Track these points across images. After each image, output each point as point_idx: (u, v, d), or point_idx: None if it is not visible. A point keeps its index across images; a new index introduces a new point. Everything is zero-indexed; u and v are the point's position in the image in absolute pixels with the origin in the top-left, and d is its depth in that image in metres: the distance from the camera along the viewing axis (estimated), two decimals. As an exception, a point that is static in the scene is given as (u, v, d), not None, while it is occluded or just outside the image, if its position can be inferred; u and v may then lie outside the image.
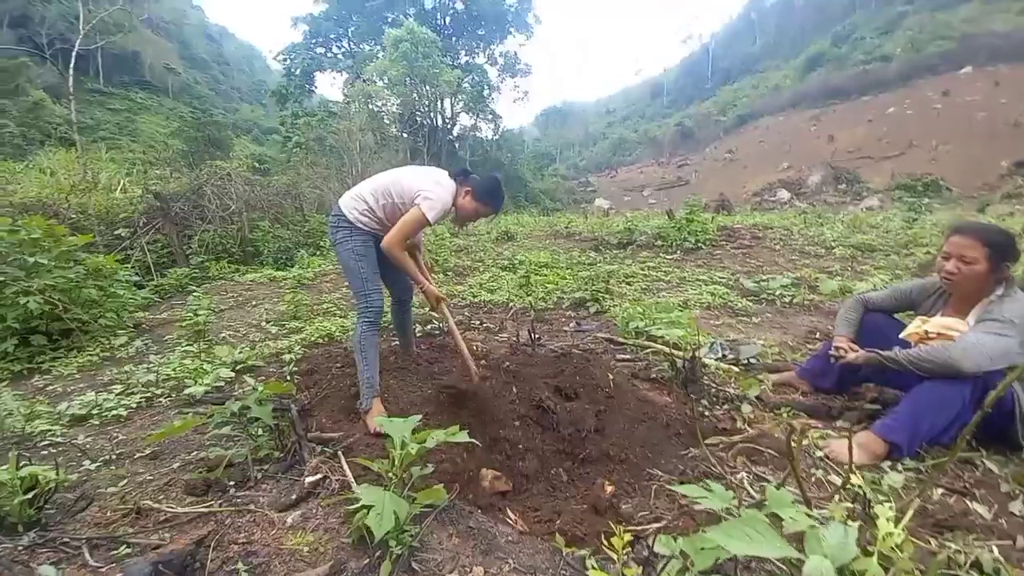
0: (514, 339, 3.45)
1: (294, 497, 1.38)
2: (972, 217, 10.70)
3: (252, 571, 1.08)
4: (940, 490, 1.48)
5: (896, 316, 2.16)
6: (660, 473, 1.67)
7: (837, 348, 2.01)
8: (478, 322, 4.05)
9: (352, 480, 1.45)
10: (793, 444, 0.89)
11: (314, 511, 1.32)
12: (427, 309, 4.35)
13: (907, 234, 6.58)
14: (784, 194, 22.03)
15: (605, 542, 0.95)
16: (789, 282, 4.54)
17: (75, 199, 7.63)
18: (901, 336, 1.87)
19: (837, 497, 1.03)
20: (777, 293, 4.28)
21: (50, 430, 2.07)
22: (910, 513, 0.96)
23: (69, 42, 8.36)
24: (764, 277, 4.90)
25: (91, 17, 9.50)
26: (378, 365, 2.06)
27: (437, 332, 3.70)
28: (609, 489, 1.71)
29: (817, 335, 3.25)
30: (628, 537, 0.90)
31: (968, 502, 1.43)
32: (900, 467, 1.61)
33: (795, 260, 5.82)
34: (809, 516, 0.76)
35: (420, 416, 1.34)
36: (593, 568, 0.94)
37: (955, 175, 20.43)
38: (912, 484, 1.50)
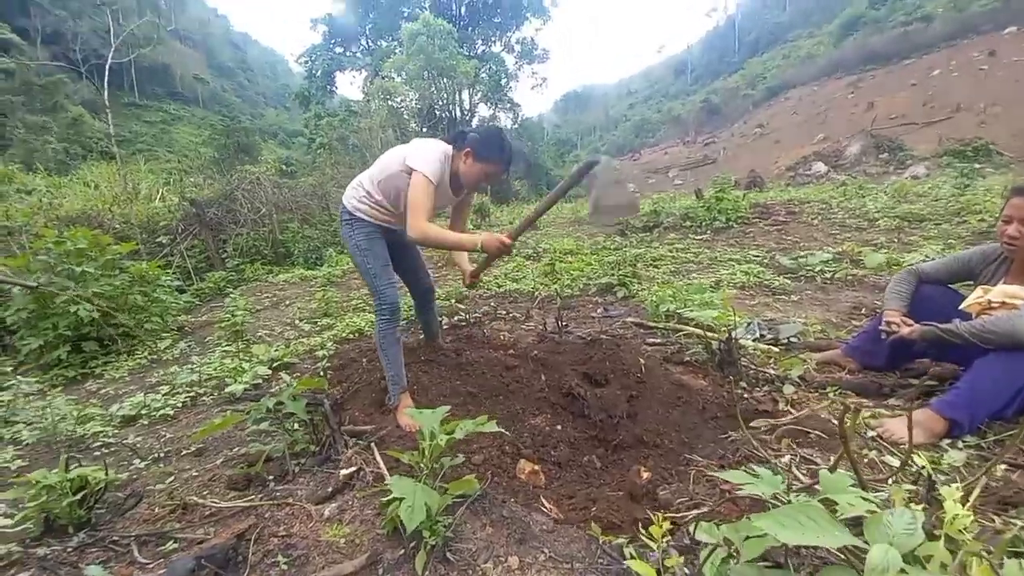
0: (541, 327, 3.42)
1: (330, 490, 1.40)
2: (1031, 179, 9.88)
3: (292, 563, 1.10)
4: (1003, 466, 1.37)
5: (953, 287, 2.00)
6: (698, 458, 1.61)
7: (888, 323, 1.88)
8: (504, 312, 4.04)
9: (386, 472, 1.46)
10: (846, 423, 0.83)
11: (350, 503, 1.34)
12: (454, 300, 4.37)
13: (959, 201, 6.12)
14: (820, 167, 20.89)
15: (643, 530, 0.92)
16: (830, 257, 4.30)
17: (118, 210, 8.05)
18: (960, 307, 1.73)
19: (893, 479, 0.95)
20: (817, 269, 4.07)
21: (102, 431, 2.19)
22: (976, 491, 0.88)
23: (102, 57, 8.78)
24: (802, 253, 4.67)
25: (121, 31, 9.90)
26: (402, 360, 2.03)
27: (463, 324, 3.71)
28: (645, 475, 1.66)
29: (863, 311, 3.07)
30: (667, 525, 0.86)
31: (1036, 480, 1.31)
32: (960, 444, 1.50)
33: (835, 234, 5.52)
34: (867, 500, 0.70)
35: (448, 407, 1.32)
36: (632, 557, 0.91)
37: (1006, 138, 18.82)
38: (974, 462, 1.40)
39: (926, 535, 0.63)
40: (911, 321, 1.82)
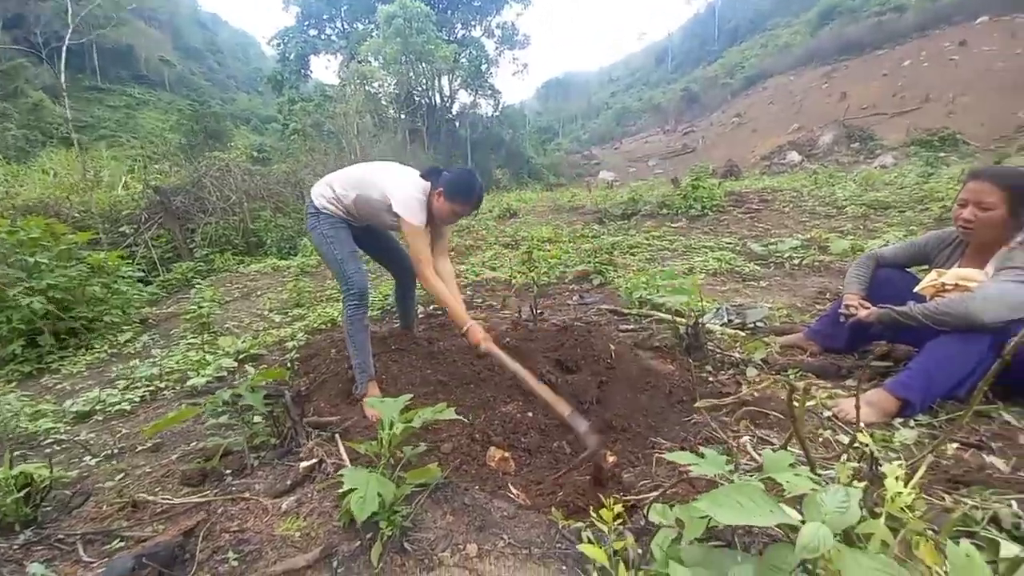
0: (517, 316, 3.40)
1: (289, 483, 1.37)
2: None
3: (243, 559, 1.06)
4: (955, 445, 1.42)
5: (911, 271, 2.06)
6: (663, 441, 1.63)
7: (847, 307, 1.93)
8: (480, 300, 4.01)
9: (348, 463, 1.43)
10: (796, 403, 0.83)
11: (309, 496, 1.31)
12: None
13: (922, 189, 6.33)
14: (795, 156, 21.36)
15: (596, 514, 0.92)
16: (799, 244, 4.40)
17: (76, 198, 7.67)
18: (916, 290, 1.78)
19: (844, 457, 0.97)
20: (786, 255, 4.16)
21: (54, 428, 2.10)
22: (922, 470, 0.90)
23: (63, 40, 8.22)
24: (772, 240, 4.76)
25: (79, 10, 9.33)
26: (370, 348, 2.02)
27: (439, 312, 3.67)
28: (611, 459, 1.67)
29: (827, 295, 3.15)
30: (618, 508, 0.86)
31: (984, 456, 1.36)
32: (912, 423, 1.55)
33: (805, 222, 5.65)
34: (811, 479, 0.71)
35: (410, 396, 1.30)
36: (589, 541, 0.91)
37: (972, 128, 19.53)
38: (925, 440, 1.44)
39: (868, 513, 0.64)
40: (869, 304, 1.86)
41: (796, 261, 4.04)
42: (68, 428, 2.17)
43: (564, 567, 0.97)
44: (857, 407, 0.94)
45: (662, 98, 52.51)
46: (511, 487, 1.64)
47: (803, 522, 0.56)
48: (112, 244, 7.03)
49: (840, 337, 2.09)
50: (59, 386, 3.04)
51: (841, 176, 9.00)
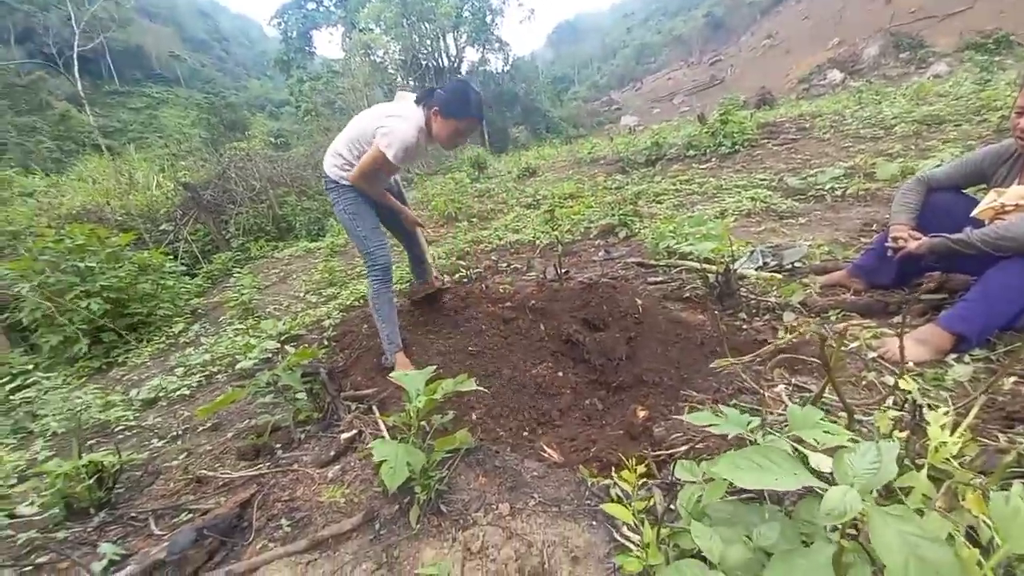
0: (542, 276, 3.38)
1: (332, 453, 1.45)
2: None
3: (295, 525, 1.15)
4: (1012, 379, 1.32)
5: (967, 193, 1.86)
6: (695, 393, 1.60)
7: (895, 239, 1.78)
8: (505, 264, 3.99)
9: (386, 433, 1.49)
10: (830, 349, 0.78)
11: (351, 464, 1.38)
12: (451, 261, 4.33)
13: (979, 98, 5.65)
14: (836, 75, 19.51)
15: (617, 475, 0.92)
16: (841, 173, 4.07)
17: (116, 202, 8.05)
18: (973, 214, 1.61)
19: (886, 404, 0.92)
20: (827, 187, 3.87)
21: (124, 416, 2.29)
22: (974, 412, 0.83)
23: (74, 48, 8.41)
24: (811, 172, 4.43)
25: (82, 15, 9.46)
26: (396, 320, 2.05)
27: (465, 280, 3.69)
28: (642, 414, 1.67)
29: (874, 227, 2.93)
30: (642, 469, 0.85)
31: (1046, 390, 1.26)
32: (968, 358, 1.45)
33: (848, 147, 5.20)
34: (843, 433, 0.67)
35: (434, 367, 1.32)
36: (616, 499, 0.91)
37: None
38: (981, 376, 1.35)
39: (911, 465, 0.60)
40: (919, 234, 1.71)
41: (838, 192, 3.75)
42: (137, 415, 2.37)
43: (594, 522, 0.99)
44: (901, 347, 0.87)
45: (683, 28, 48.60)
46: (545, 447, 1.68)
47: (832, 484, 0.53)
48: (155, 242, 7.40)
49: (888, 272, 1.95)
50: (127, 377, 3.30)
51: (889, 92, 8.17)
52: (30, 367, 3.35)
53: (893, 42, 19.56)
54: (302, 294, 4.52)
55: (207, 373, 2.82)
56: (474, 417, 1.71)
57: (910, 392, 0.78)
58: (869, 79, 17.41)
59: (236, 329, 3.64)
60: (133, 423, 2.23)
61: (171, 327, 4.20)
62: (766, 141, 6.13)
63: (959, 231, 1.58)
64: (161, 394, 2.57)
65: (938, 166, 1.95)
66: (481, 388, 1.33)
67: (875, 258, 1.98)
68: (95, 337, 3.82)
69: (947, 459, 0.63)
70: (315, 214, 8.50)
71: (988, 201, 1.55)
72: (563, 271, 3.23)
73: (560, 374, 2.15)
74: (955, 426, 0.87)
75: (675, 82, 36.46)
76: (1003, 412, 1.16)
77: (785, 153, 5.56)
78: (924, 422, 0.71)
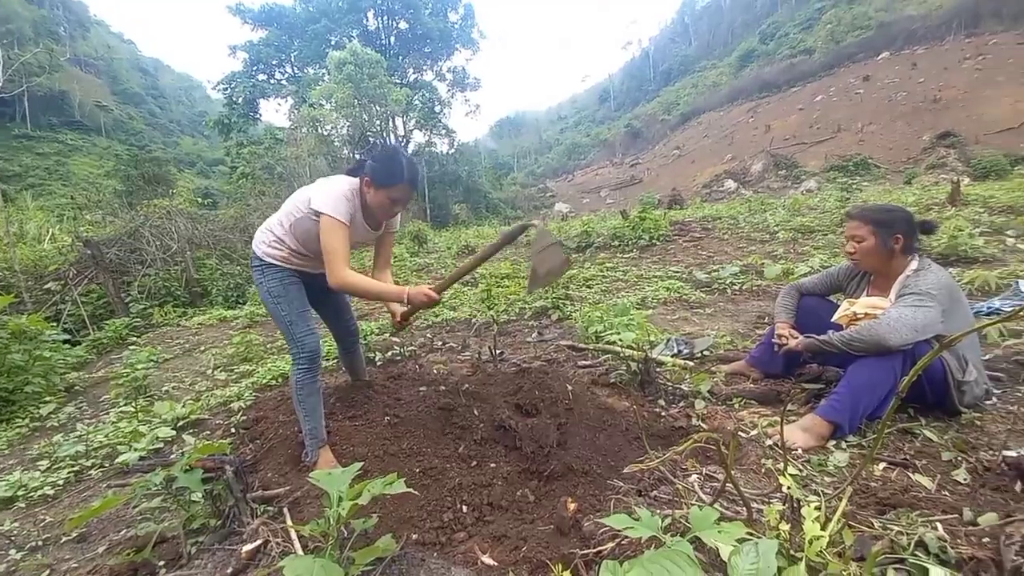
0: (477, 356, 3.39)
1: (230, 571, 1.27)
2: (898, 190, 11.51)
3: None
4: (882, 465, 1.52)
5: (830, 299, 2.26)
6: (620, 484, 1.65)
7: (779, 336, 2.08)
8: (440, 343, 3.98)
9: (296, 542, 1.35)
10: (725, 449, 0.88)
11: (253, 582, 1.22)
12: (389, 334, 4.23)
13: (841, 213, 6.98)
14: (731, 184, 23.05)
15: (555, 570, 0.91)
16: (737, 270, 4.71)
17: (-3, 255, 7.06)
18: (833, 320, 1.95)
19: (773, 496, 1.03)
20: (728, 282, 4.43)
21: (-29, 517, 1.86)
22: (844, 502, 0.96)
23: None
24: (715, 267, 5.07)
25: (11, 62, 8.90)
26: (322, 412, 1.91)
27: (399, 357, 3.60)
28: (572, 507, 1.67)
29: (765, 320, 3.37)
30: (568, 575, 0.86)
31: (910, 475, 1.47)
32: (844, 445, 1.66)
33: (743, 247, 6.06)
34: (741, 527, 0.75)
35: (359, 466, 1.26)
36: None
37: (882, 152, 22.02)
38: (856, 461, 1.54)
39: (788, 559, 0.68)
40: (797, 333, 2.02)
41: (736, 287, 4.30)
42: (-14, 519, 1.92)
43: (522, 636, 0.95)
44: (782, 437, 1.00)
45: (608, 133, 55.67)
46: (477, 549, 1.60)
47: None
48: (37, 303, 6.47)
49: (777, 363, 2.25)
50: (-26, 470, 2.70)
51: (772, 202, 9.79)
52: None
53: (773, 161, 23.82)
54: (210, 370, 4.11)
55: (77, 468, 2.39)
56: (402, 514, 1.61)
57: (788, 487, 0.90)
58: (756, 189, 20.80)
59: (121, 412, 3.17)
60: None
61: (38, 407, 3.56)
62: (677, 237, 6.97)
63: (825, 332, 1.89)
64: (19, 492, 2.13)
65: (808, 273, 2.36)
66: (412, 491, 1.28)
67: (766, 350, 2.28)
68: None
69: (820, 552, 0.72)
70: (236, 279, 8.00)
71: (843, 309, 1.90)
72: (498, 352, 3.29)
73: (492, 465, 2.11)
74: (834, 512, 0.99)
75: (602, 177, 40.84)
76: (876, 498, 1.32)
77: (693, 249, 6.34)
78: (801, 517, 0.81)
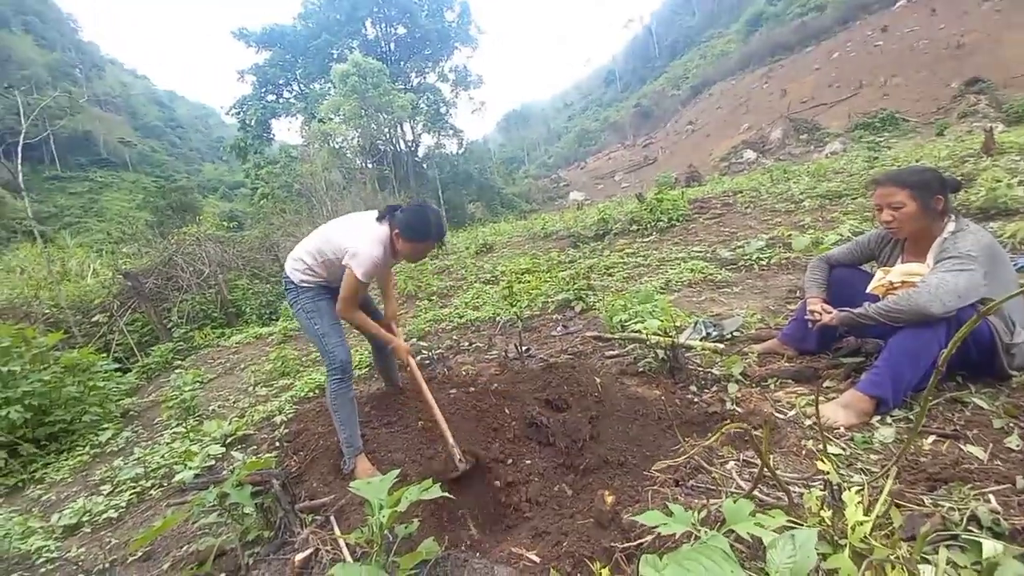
0: (503, 355, 3.42)
1: (285, 579, 1.34)
2: (931, 143, 10.91)
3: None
4: (932, 438, 1.46)
5: (863, 268, 2.17)
6: (657, 474, 1.64)
7: (811, 312, 2.01)
8: (467, 343, 4.02)
9: (345, 550, 1.41)
10: (762, 436, 0.87)
11: (308, 590, 1.28)
12: (412, 342, 4.31)
13: (870, 174, 6.67)
14: (750, 154, 22.32)
15: (594, 567, 0.92)
16: (763, 244, 4.56)
17: (45, 294, 7.51)
18: (868, 290, 1.87)
19: (814, 481, 1.01)
20: (754, 258, 4.30)
21: (45, 546, 2.01)
22: (889, 483, 0.93)
23: (18, 135, 8.20)
24: (739, 243, 4.93)
25: (32, 108, 9.37)
26: (356, 420, 1.99)
27: (427, 362, 3.66)
28: (610, 500, 1.68)
29: (797, 294, 3.26)
30: (606, 573, 0.87)
31: (961, 446, 1.41)
32: (889, 420, 1.60)
33: (767, 220, 5.87)
34: (781, 516, 0.74)
35: (397, 472, 1.30)
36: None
37: (909, 105, 20.85)
38: (903, 436, 1.49)
39: (833, 546, 0.67)
40: (830, 308, 1.95)
41: (763, 262, 4.18)
42: (58, 544, 2.08)
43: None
44: (818, 415, 0.98)
45: (617, 116, 54.65)
46: (519, 546, 1.63)
47: None
48: (86, 336, 6.86)
49: (811, 339, 2.17)
50: (45, 497, 2.92)
51: (795, 170, 9.42)
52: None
53: (793, 126, 22.91)
54: (251, 387, 4.28)
55: (138, 490, 2.54)
56: (441, 519, 1.65)
57: (827, 472, 0.88)
58: (777, 157, 20.07)
59: (174, 433, 3.35)
60: (55, 554, 1.95)
61: (97, 435, 3.79)
62: (698, 216, 6.80)
63: (859, 302, 1.82)
64: (85, 518, 2.28)
65: (839, 241, 2.27)
66: (448, 495, 1.31)
67: (799, 327, 2.21)
68: (12, 450, 3.39)
69: (864, 537, 0.70)
70: (267, 297, 8.27)
71: (878, 279, 1.82)
72: (524, 349, 3.30)
73: (528, 461, 2.13)
74: (880, 492, 0.96)
75: (615, 161, 40.17)
76: (926, 474, 1.27)
77: (715, 227, 6.18)
78: (842, 502, 0.79)
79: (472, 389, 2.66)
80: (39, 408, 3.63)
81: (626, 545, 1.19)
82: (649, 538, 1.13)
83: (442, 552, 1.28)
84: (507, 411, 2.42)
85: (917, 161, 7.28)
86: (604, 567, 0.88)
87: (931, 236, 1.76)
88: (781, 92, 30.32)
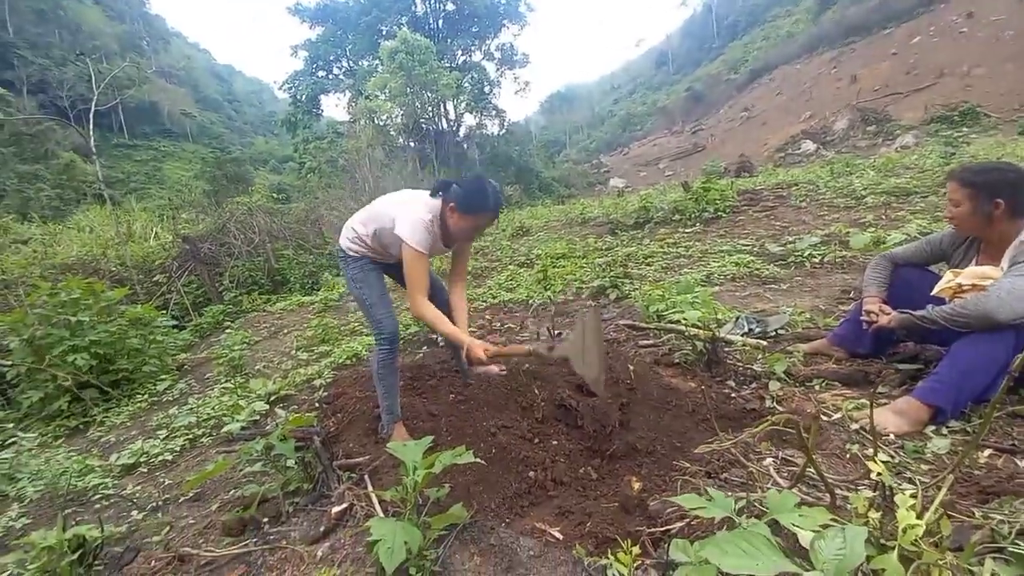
0: (535, 337, 3.43)
1: (322, 529, 1.42)
2: (1012, 142, 9.86)
3: (283, 609, 1.11)
4: (988, 452, 1.37)
5: (930, 269, 2.01)
6: (687, 464, 1.62)
7: (868, 312, 1.89)
8: (499, 324, 4.05)
9: (378, 506, 1.47)
10: (808, 433, 0.84)
11: (342, 542, 1.35)
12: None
13: (944, 171, 6.12)
14: (809, 145, 20.93)
15: (613, 556, 0.93)
16: (818, 240, 4.31)
17: (112, 253, 8.12)
18: (933, 293, 1.74)
19: (862, 483, 0.96)
20: (806, 254, 4.07)
21: (102, 483, 2.21)
22: (943, 492, 0.88)
23: (89, 102, 8.80)
24: (791, 239, 4.68)
25: (103, 76, 10.00)
26: (398, 390, 2.05)
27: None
28: (636, 486, 1.67)
29: (851, 295, 3.07)
30: (636, 551, 0.87)
31: (1017, 461, 1.32)
32: (945, 430, 1.50)
33: (823, 216, 5.52)
34: (825, 512, 0.71)
35: (431, 438, 1.34)
36: (611, 581, 0.92)
37: (992, 99, 18.84)
38: (958, 448, 1.40)
39: (879, 548, 0.64)
40: (889, 309, 1.82)
41: (816, 259, 3.95)
42: (115, 482, 2.28)
43: (591, 607, 0.98)
44: (871, 421, 0.92)
45: (666, 100, 52.44)
46: (544, 524, 1.65)
47: (809, 568, 0.57)
48: (147, 294, 7.39)
49: (865, 341, 2.04)
50: (104, 439, 3.19)
51: (859, 163, 8.78)
52: (9, 424, 3.24)
53: (860, 116, 21.24)
54: (293, 351, 4.49)
55: (191, 436, 2.75)
56: (468, 488, 1.69)
57: (879, 473, 0.83)
58: (840, 149, 18.72)
59: (224, 388, 3.58)
60: (111, 491, 2.15)
61: (155, 384, 4.11)
62: (747, 208, 6.48)
63: (924, 306, 1.70)
64: (142, 459, 2.49)
65: (903, 241, 2.11)
66: (479, 460, 1.34)
67: (853, 328, 2.08)
68: (75, 395, 3.73)
69: (915, 540, 0.66)
70: (310, 267, 8.62)
71: (946, 281, 1.68)
72: (556, 333, 3.30)
73: (555, 442, 2.15)
74: (931, 501, 0.91)
75: (660, 148, 38.75)
76: (979, 486, 1.19)
77: (765, 220, 5.88)
78: (895, 504, 0.75)
79: (504, 368, 2.68)
80: (104, 357, 3.96)
81: (653, 530, 1.18)
82: (678, 525, 1.12)
83: (469, 518, 1.32)
84: (537, 391, 2.44)
85: (998, 159, 6.62)
86: (633, 546, 0.88)
87: (1006, 238, 1.61)
88: (851, 79, 28.09)
